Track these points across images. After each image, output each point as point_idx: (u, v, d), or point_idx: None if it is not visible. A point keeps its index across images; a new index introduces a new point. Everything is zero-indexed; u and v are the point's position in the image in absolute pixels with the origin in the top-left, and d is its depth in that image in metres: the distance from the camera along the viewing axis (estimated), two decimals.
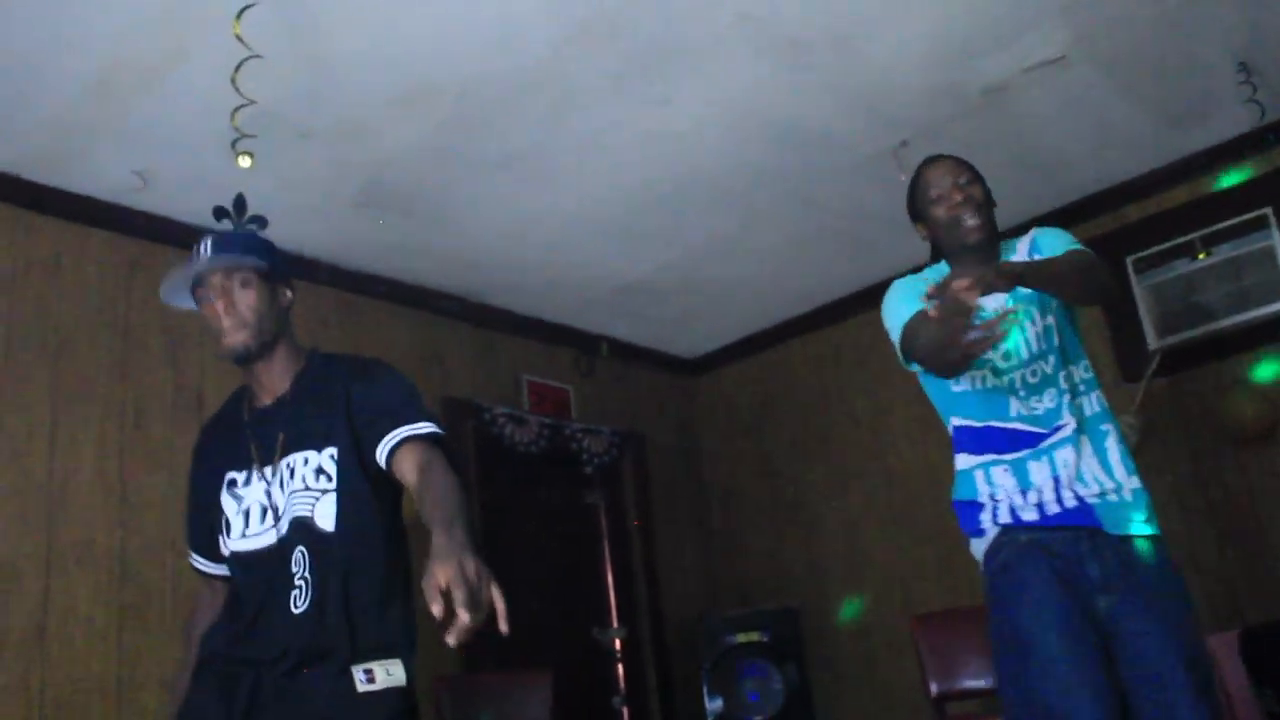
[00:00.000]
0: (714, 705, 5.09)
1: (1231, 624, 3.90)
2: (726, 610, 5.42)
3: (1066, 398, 2.41)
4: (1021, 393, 2.42)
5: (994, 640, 2.32)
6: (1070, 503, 2.32)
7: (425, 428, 2.23)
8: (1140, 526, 2.33)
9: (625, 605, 5.42)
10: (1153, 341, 4.54)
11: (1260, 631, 3.25)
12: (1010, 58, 3.67)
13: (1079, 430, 2.38)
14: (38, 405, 3.57)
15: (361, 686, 2.17)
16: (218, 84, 3.07)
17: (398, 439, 2.21)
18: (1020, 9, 3.44)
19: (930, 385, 2.59)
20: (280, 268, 2.38)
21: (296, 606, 2.21)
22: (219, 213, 2.40)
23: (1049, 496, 2.34)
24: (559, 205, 4.27)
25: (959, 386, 2.49)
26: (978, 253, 2.49)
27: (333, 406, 2.31)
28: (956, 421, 2.52)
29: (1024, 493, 2.36)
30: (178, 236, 3.82)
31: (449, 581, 1.66)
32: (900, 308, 2.46)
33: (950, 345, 2.01)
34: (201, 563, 2.46)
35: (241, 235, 2.37)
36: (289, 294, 2.41)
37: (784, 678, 5.04)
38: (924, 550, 5.03)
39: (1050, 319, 2.46)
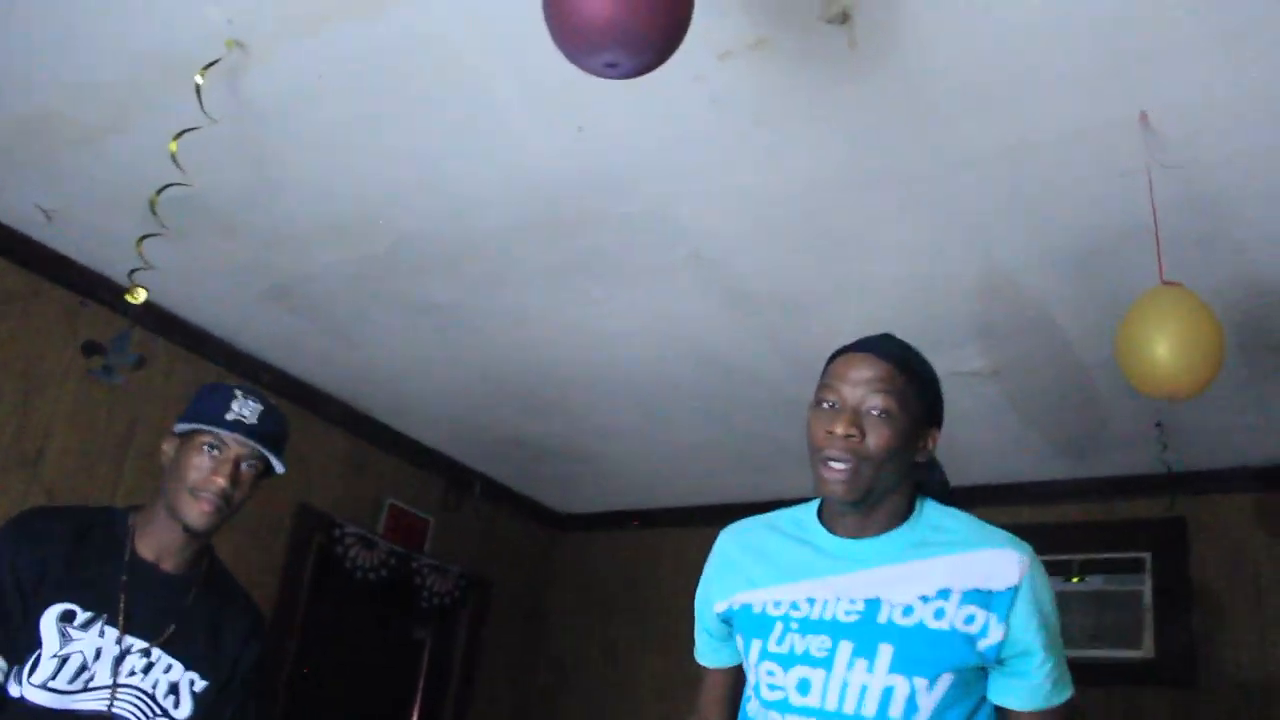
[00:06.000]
0: None
1: None
2: None
3: None
4: None
5: None
6: None
7: None
8: None
9: None
10: None
11: None
12: (944, 360, 3.63)
13: None
14: None
15: None
16: (152, 160, 2.91)
17: None
18: (965, 324, 3.46)
19: None
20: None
21: None
22: (89, 347, 2.27)
23: None
24: (465, 359, 4.14)
25: None
26: (850, 513, 1.74)
27: (220, 649, 2.20)
28: None
29: None
30: (68, 278, 3.64)
31: None
32: (700, 611, 1.99)
33: None
34: None
35: (281, 428, 2.26)
36: None
37: None
38: None
39: (922, 687, 1.68)
